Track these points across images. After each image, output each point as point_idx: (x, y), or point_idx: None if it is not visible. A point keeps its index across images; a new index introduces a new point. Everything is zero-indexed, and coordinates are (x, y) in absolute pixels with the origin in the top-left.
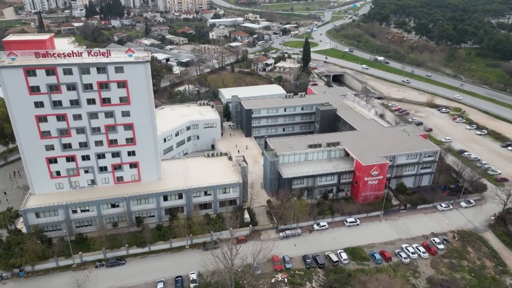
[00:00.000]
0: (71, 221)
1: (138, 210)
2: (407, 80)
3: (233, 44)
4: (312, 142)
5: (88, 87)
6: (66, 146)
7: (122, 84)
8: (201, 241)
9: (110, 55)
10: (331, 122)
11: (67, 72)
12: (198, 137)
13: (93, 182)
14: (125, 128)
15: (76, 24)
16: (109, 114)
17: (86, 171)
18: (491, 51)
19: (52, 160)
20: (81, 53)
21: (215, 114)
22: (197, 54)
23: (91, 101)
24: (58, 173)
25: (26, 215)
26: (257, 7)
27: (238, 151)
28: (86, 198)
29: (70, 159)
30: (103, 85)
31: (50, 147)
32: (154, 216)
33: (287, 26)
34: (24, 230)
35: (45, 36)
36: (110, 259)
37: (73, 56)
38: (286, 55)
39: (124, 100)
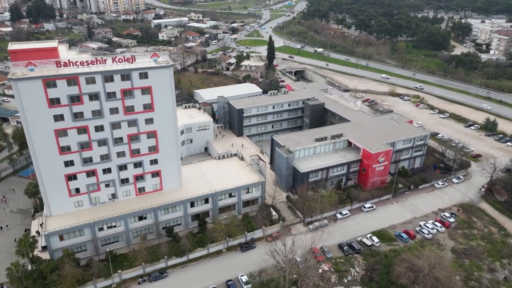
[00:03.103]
0: (98, 239)
1: (165, 220)
2: (420, 86)
3: (189, 44)
4: (318, 136)
5: (111, 95)
6: (87, 161)
7: (146, 91)
8: (236, 243)
9: (134, 60)
10: (320, 116)
11: (90, 81)
12: (191, 141)
13: (113, 196)
14: (148, 136)
15: (4, 29)
16: (133, 123)
17: (107, 185)
18: (425, 42)
19: (71, 177)
20: (105, 60)
21: (206, 116)
22: None
23: (114, 111)
24: (77, 190)
25: (49, 238)
26: (193, 6)
27: (237, 150)
28: (110, 214)
29: (91, 173)
30: (127, 93)
31: (69, 163)
32: (181, 224)
33: (235, 25)
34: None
35: (53, 43)
36: (152, 273)
37: (97, 63)
38: (244, 54)
39: (148, 107)
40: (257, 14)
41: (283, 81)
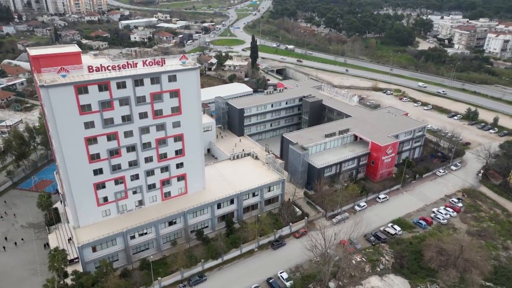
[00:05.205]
0: (129, 248)
1: (194, 223)
2: (443, 91)
3: (165, 45)
4: (328, 132)
5: (141, 100)
6: (116, 168)
7: (174, 94)
8: (266, 241)
9: (164, 63)
10: (318, 112)
11: (121, 85)
12: None
13: (140, 202)
14: (175, 139)
15: None
16: (161, 127)
17: (135, 192)
18: (393, 39)
19: (99, 186)
20: (136, 63)
21: (206, 117)
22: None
23: (143, 115)
24: (105, 199)
25: (82, 251)
26: (156, 6)
27: (243, 150)
28: (138, 221)
29: (119, 181)
30: (156, 96)
31: (98, 171)
32: (208, 226)
33: (206, 24)
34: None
35: (76, 48)
36: (191, 277)
37: (128, 67)
38: (223, 53)
39: (175, 110)
40: (223, 14)
41: (268, 80)
